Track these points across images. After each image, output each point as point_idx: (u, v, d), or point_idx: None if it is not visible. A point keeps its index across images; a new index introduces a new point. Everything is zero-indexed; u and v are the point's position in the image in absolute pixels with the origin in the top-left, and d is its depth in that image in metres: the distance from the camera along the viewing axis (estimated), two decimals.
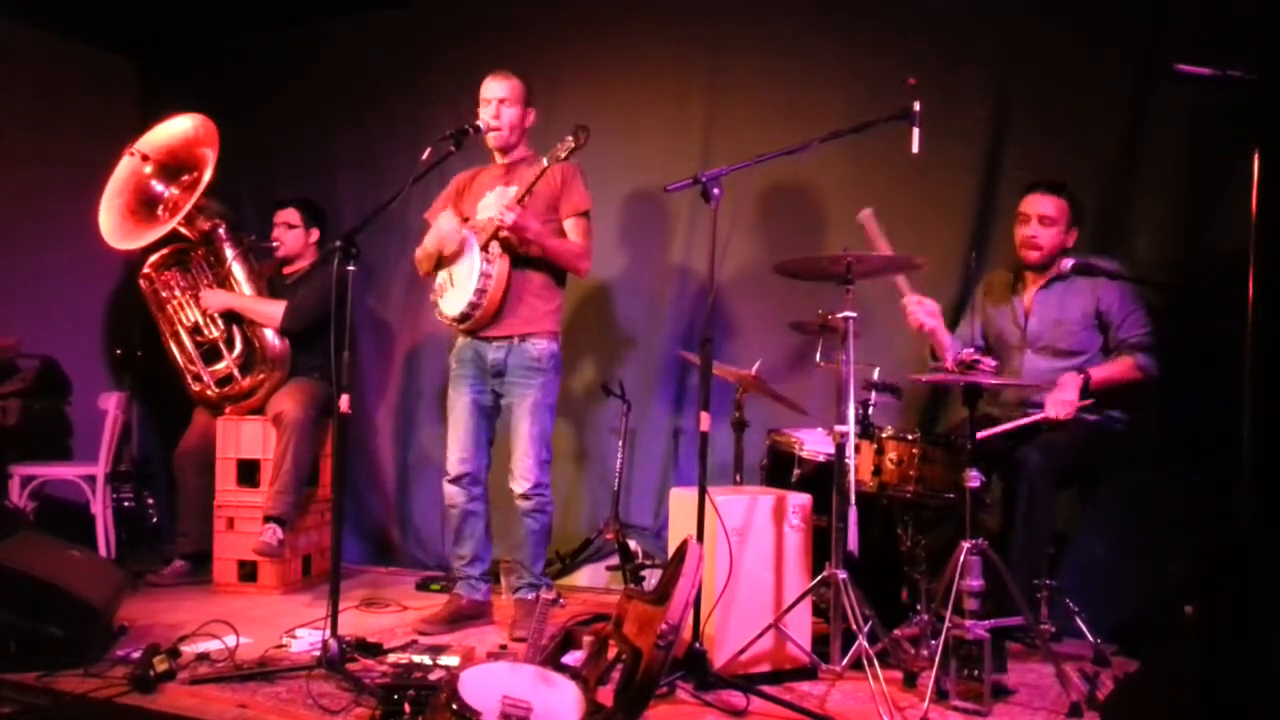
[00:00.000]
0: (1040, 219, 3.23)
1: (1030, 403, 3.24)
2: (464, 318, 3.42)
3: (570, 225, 3.48)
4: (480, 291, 3.36)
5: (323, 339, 4.25)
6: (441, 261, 3.52)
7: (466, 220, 3.52)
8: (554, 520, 3.56)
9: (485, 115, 3.47)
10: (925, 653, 2.81)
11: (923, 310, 3.33)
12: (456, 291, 3.45)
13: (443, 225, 3.47)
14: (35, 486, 4.45)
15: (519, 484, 3.41)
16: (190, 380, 4.32)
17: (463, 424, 3.52)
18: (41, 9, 4.87)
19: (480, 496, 3.55)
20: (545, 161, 3.30)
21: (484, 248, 3.37)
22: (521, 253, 3.42)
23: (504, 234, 3.36)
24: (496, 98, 3.47)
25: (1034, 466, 2.91)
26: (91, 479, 4.48)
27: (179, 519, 4.38)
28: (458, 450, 3.52)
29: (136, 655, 2.82)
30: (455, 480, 3.51)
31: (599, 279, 4.24)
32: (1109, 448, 3.14)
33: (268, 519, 3.94)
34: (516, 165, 3.52)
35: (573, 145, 3.24)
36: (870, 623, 2.77)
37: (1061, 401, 2.99)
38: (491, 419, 3.57)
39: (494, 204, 3.40)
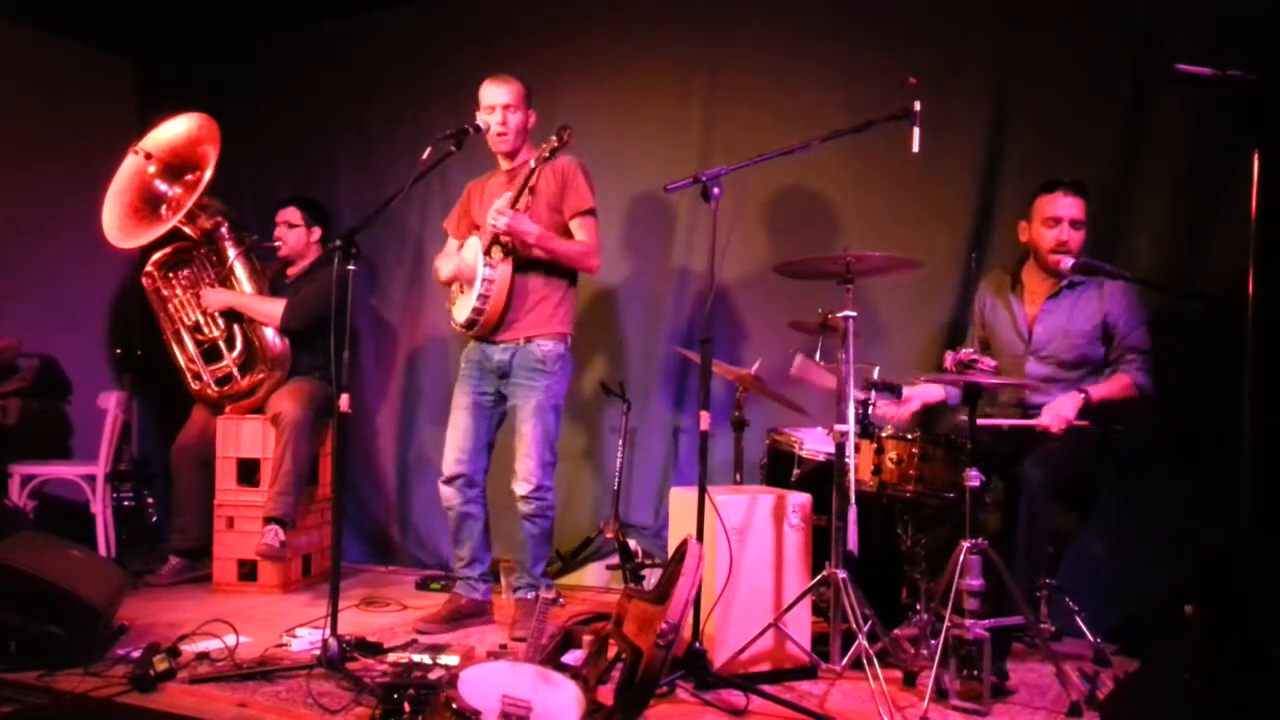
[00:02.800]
0: (1072, 222, 3.14)
1: (1028, 404, 3.24)
2: (470, 324, 3.43)
3: (575, 225, 3.47)
4: (483, 298, 3.36)
5: (323, 339, 4.25)
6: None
7: (477, 228, 3.54)
8: (554, 520, 3.54)
9: (491, 121, 3.46)
10: (925, 652, 2.81)
11: (899, 408, 3.25)
12: (464, 298, 3.47)
13: (464, 258, 3.49)
14: (35, 486, 4.45)
15: (520, 486, 3.40)
16: (190, 379, 4.32)
17: (461, 425, 3.52)
18: (41, 9, 4.87)
19: (476, 499, 3.54)
20: (532, 163, 3.30)
21: (486, 253, 3.37)
22: (525, 256, 3.42)
23: (505, 239, 3.37)
24: (500, 104, 3.45)
25: (1034, 482, 2.87)
26: (91, 478, 4.48)
27: (175, 514, 4.38)
28: (454, 451, 3.51)
29: (136, 654, 2.82)
30: (449, 481, 3.50)
31: (599, 279, 4.24)
32: (1108, 456, 3.13)
33: (269, 520, 3.94)
34: (521, 170, 3.51)
35: (556, 144, 3.25)
36: (870, 622, 2.77)
37: (1057, 415, 2.97)
38: (492, 421, 3.57)
39: (493, 211, 3.41)
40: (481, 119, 3.44)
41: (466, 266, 3.44)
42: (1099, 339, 3.17)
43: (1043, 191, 3.21)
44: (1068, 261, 3.07)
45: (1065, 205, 3.16)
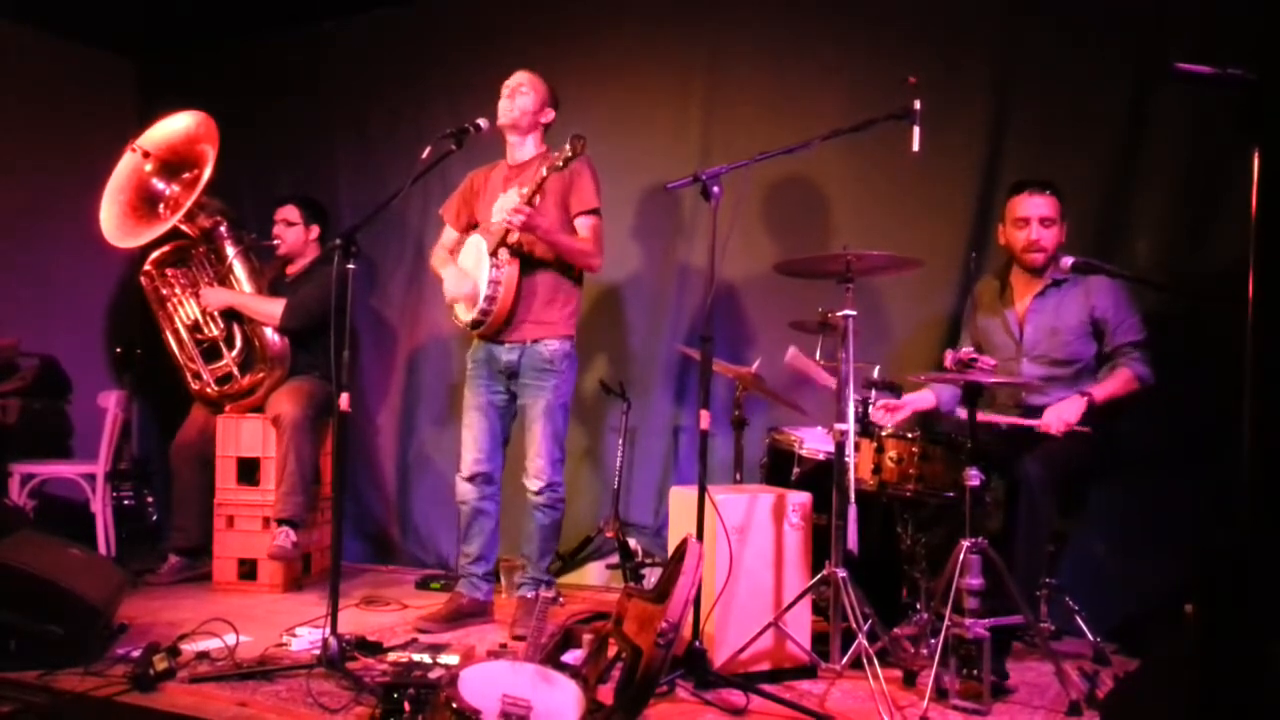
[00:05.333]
0: (1041, 220, 3.17)
1: (1026, 405, 3.23)
2: (476, 324, 3.46)
3: (580, 223, 3.49)
4: (490, 299, 3.37)
5: (323, 338, 4.25)
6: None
7: (477, 226, 3.57)
8: (563, 513, 3.55)
9: (502, 102, 3.52)
10: (925, 651, 2.82)
11: (891, 416, 3.21)
12: (470, 297, 3.47)
13: (464, 268, 3.53)
14: (35, 485, 4.44)
15: (532, 482, 3.44)
16: (190, 378, 4.32)
17: (478, 424, 3.54)
18: (41, 9, 4.87)
19: (492, 496, 3.57)
20: (545, 171, 3.30)
21: (493, 253, 3.37)
22: (532, 255, 3.43)
23: (513, 238, 3.37)
24: (514, 85, 3.54)
25: (1034, 479, 2.87)
26: (91, 477, 4.48)
27: (174, 513, 4.38)
28: (473, 450, 3.53)
29: (136, 654, 2.82)
30: (470, 479, 3.53)
31: (601, 278, 4.24)
32: (1108, 453, 3.12)
33: (280, 522, 3.94)
34: (528, 165, 3.51)
35: (570, 154, 3.25)
36: (870, 621, 2.77)
37: (1060, 419, 2.97)
38: (506, 419, 3.59)
39: (504, 208, 3.40)
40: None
41: (468, 285, 3.45)
42: (1089, 335, 3.18)
43: (1012, 193, 3.25)
44: (1067, 261, 3.07)
45: (1034, 205, 3.18)
